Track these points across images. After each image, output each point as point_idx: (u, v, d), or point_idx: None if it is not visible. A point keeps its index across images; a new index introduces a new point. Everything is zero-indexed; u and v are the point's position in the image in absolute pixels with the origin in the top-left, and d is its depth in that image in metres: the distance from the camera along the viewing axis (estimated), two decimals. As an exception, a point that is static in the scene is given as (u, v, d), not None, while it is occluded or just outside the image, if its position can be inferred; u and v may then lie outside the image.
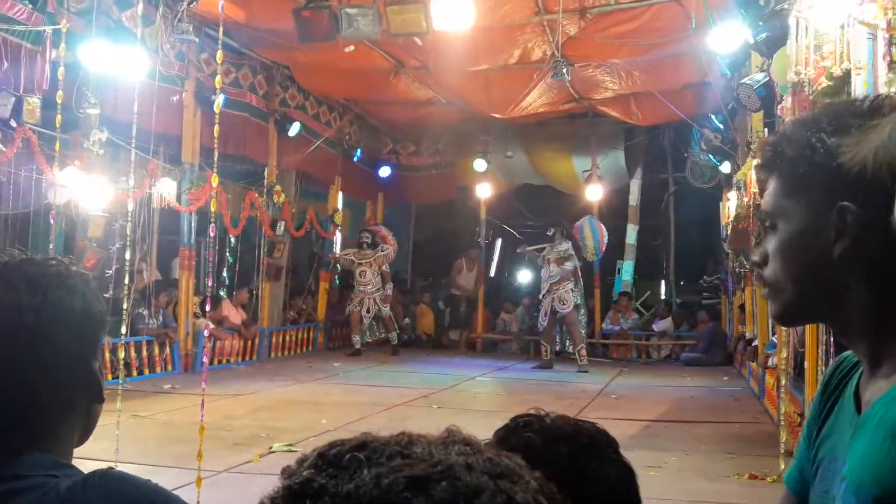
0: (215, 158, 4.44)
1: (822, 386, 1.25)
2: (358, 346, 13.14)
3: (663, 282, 17.85)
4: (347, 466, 0.63)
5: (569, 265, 12.27)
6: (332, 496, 0.61)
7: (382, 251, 13.61)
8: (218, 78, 4.60)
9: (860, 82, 3.73)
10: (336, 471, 0.63)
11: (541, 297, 12.54)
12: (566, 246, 12.40)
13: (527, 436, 1.19)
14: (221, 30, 4.50)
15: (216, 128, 4.33)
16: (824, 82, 3.93)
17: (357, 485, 0.61)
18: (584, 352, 12.12)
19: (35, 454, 1.11)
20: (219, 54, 4.42)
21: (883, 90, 3.63)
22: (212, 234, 4.29)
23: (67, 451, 1.17)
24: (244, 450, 6.10)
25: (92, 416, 1.22)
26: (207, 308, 4.57)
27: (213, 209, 4.36)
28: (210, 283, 5.28)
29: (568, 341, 12.63)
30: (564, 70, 9.46)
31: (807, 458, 1.22)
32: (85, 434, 1.22)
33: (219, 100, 10.06)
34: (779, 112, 5.82)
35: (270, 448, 6.10)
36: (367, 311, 13.40)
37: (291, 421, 7.29)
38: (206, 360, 4.78)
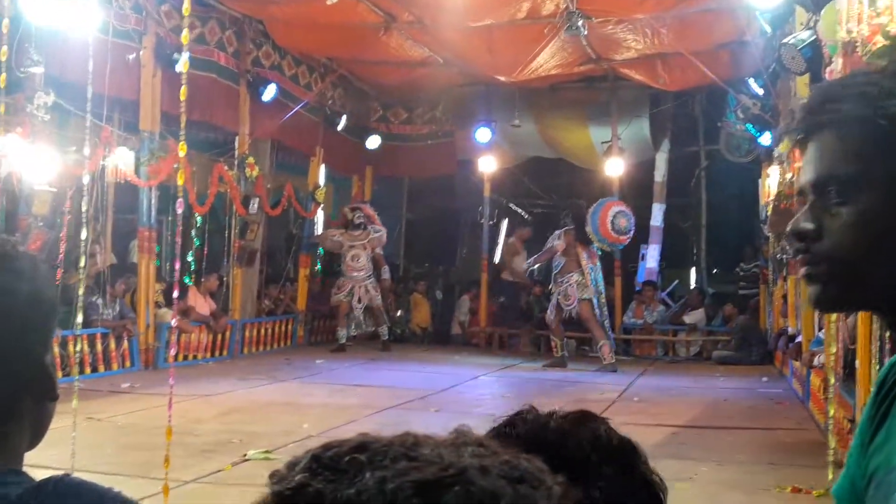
0: (182, 126, 4.41)
1: (877, 387, 1.25)
2: (343, 341, 13.16)
3: (693, 269, 17.89)
4: (346, 470, 0.64)
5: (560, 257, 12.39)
6: (331, 503, 0.62)
7: (376, 232, 13.59)
8: (185, 33, 4.56)
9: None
10: (333, 475, 0.64)
11: (550, 288, 12.64)
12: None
13: (519, 439, 1.17)
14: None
15: (183, 90, 4.30)
16: (880, 41, 3.93)
17: (359, 490, 0.62)
18: (606, 349, 12.05)
19: None
20: (186, 2, 4.39)
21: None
22: (179, 211, 4.27)
23: (16, 455, 1.17)
24: (214, 457, 6.12)
25: (44, 416, 1.22)
26: (175, 295, 4.51)
27: (179, 182, 4.35)
28: (177, 268, 5.21)
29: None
30: (580, 23, 9.44)
31: (859, 468, 1.23)
32: (36, 436, 1.21)
33: (183, 58, 10.14)
34: (827, 75, 5.81)
35: (244, 455, 6.12)
36: (359, 301, 13.39)
37: (268, 425, 7.32)
38: (172, 353, 4.77)
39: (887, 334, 4.69)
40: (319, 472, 0.64)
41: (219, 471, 5.82)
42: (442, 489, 0.61)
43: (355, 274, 13.38)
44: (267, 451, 6.24)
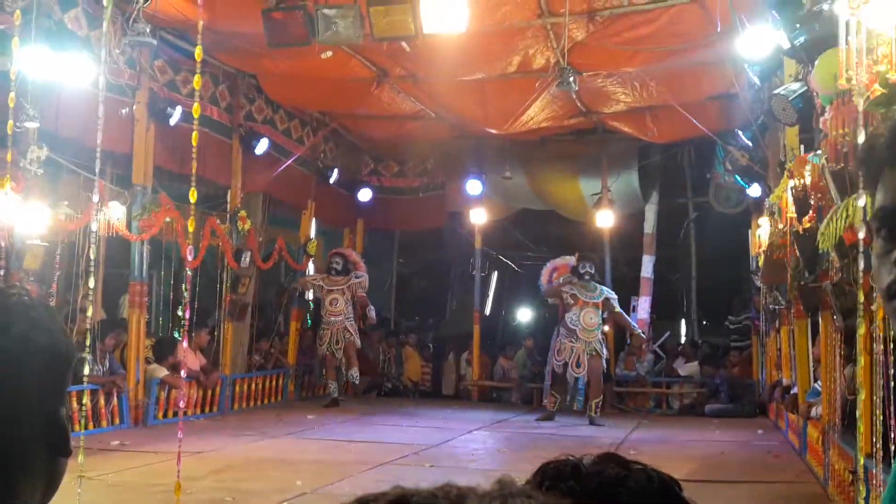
0: (192, 177, 4.39)
1: None
2: (335, 395, 12.98)
3: (683, 321, 17.90)
4: None
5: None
6: None
7: (357, 277, 13.44)
8: (196, 80, 4.56)
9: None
10: None
11: (561, 340, 12.13)
12: (608, 291, 12.49)
13: (566, 486, 1.12)
14: (201, 31, 4.49)
15: (193, 138, 4.28)
16: (878, 90, 3.96)
17: None
18: (601, 403, 12.04)
19: None
20: (197, 51, 4.39)
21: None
22: (189, 259, 4.24)
23: None
24: (207, 517, 6.00)
25: (56, 471, 1.19)
26: (184, 344, 4.45)
27: (189, 230, 4.31)
28: (181, 322, 5.18)
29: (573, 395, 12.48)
30: (571, 79, 9.54)
31: None
32: (48, 493, 1.18)
33: (175, 113, 10.17)
34: (821, 125, 5.86)
35: (239, 514, 6.00)
36: (337, 343, 13.16)
37: (261, 482, 7.19)
38: (182, 405, 4.70)
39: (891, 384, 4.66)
40: None
41: (212, 529, 5.70)
42: None
43: (332, 318, 13.18)
44: (262, 510, 6.12)
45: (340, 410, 12.41)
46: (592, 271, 12.24)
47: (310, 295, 14.31)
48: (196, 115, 4.32)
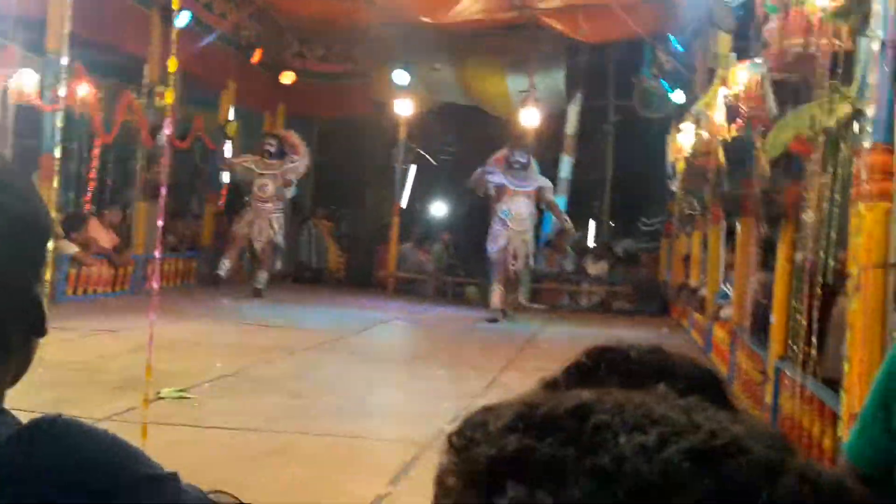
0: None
1: None
2: (222, 273, 12.26)
3: (593, 222, 18.14)
4: (578, 433, 0.53)
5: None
6: (576, 472, 0.51)
7: (292, 162, 12.71)
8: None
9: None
10: (562, 438, 0.53)
11: (495, 227, 11.76)
12: (542, 180, 12.14)
13: (615, 380, 1.05)
14: None
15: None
16: (838, 1, 3.91)
17: (615, 458, 0.51)
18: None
19: None
20: None
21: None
22: (167, 132, 3.99)
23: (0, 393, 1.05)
24: (126, 395, 5.85)
25: (29, 352, 1.09)
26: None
27: (168, 101, 4.05)
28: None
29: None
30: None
31: (883, 431, 1.19)
32: (19, 373, 1.08)
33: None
34: (765, 35, 5.81)
35: (158, 393, 5.88)
36: (259, 234, 12.40)
37: (179, 363, 7.04)
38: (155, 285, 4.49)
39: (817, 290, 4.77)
40: (539, 435, 0.53)
41: (133, 408, 5.57)
42: (722, 458, 0.51)
43: (260, 205, 12.40)
44: (181, 390, 6.01)
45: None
46: (524, 160, 11.81)
47: (234, 178, 13.32)
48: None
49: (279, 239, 12.57)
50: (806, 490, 0.51)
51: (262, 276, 12.44)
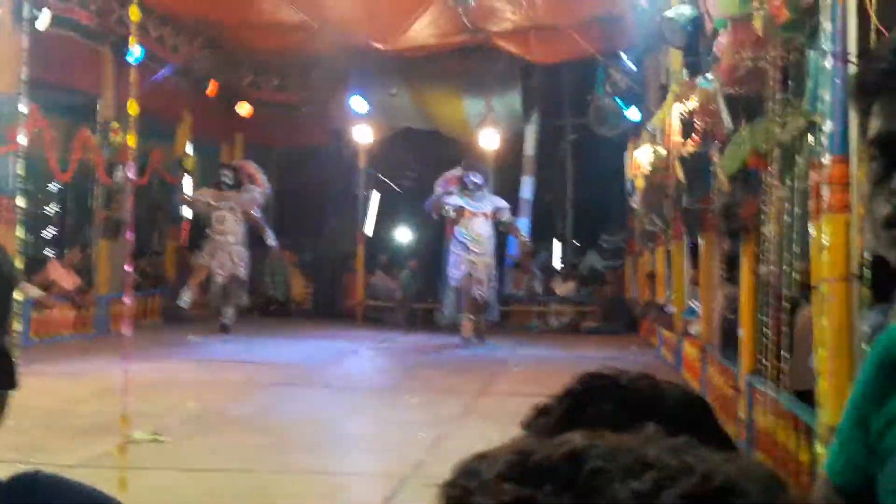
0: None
1: (878, 363, 1.23)
2: (184, 304, 11.95)
3: (556, 241, 18.25)
4: (573, 480, 0.54)
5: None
6: None
7: (247, 192, 12.41)
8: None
9: (828, 13, 3.82)
10: (558, 486, 0.54)
11: (456, 252, 11.61)
12: (497, 200, 12.04)
13: (606, 407, 1.07)
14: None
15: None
16: (786, 14, 4.01)
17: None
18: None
19: None
20: None
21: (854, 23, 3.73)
22: (130, 174, 3.97)
23: None
24: (98, 439, 5.78)
25: (2, 404, 1.11)
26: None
27: (130, 142, 4.03)
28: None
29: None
30: (468, -7, 9.33)
31: (862, 448, 1.21)
32: None
33: (42, 17, 9.49)
34: (714, 49, 5.93)
35: (131, 436, 5.80)
36: (221, 268, 12.06)
37: (150, 404, 6.93)
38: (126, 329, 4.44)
39: (782, 304, 4.85)
40: (533, 482, 0.54)
41: (105, 453, 5.50)
42: (717, 502, 0.53)
43: (219, 238, 12.08)
44: (155, 434, 5.94)
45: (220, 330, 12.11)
46: (479, 181, 11.67)
47: (190, 212, 13.18)
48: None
49: (241, 272, 12.29)
50: None
51: (229, 312, 12.27)
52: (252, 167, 12.84)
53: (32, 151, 10.08)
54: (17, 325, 9.69)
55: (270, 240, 12.89)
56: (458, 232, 11.62)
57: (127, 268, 4.26)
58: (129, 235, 4.33)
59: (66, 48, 10.67)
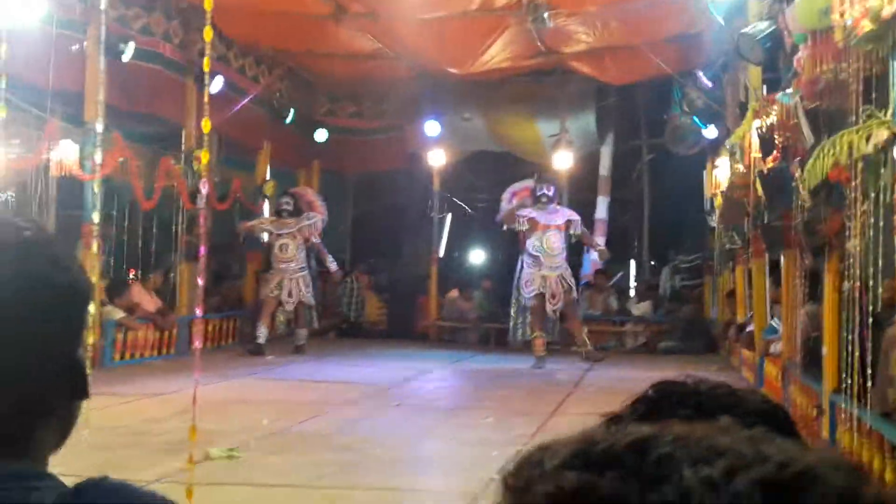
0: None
1: None
2: (261, 341, 11.88)
3: (634, 262, 18.04)
4: (639, 467, 0.51)
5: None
6: None
7: (309, 219, 12.38)
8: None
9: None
10: (623, 472, 0.51)
11: (527, 269, 11.39)
12: (569, 212, 11.77)
13: (683, 413, 1.02)
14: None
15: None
16: (867, 26, 3.88)
17: (681, 491, 0.49)
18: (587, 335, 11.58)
19: (8, 463, 1.01)
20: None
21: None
22: (204, 191, 4.07)
23: (45, 457, 1.08)
24: (176, 457, 5.85)
25: (73, 415, 1.12)
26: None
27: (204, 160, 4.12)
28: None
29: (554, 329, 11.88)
30: (546, 14, 9.33)
31: None
32: (63, 437, 1.12)
33: (127, 49, 9.81)
34: (794, 64, 5.79)
35: (207, 453, 5.88)
36: (290, 296, 12.18)
37: (226, 423, 7.06)
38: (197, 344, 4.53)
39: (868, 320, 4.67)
40: (600, 471, 0.52)
41: (182, 471, 5.58)
42: (795, 489, 0.49)
43: (283, 266, 12.14)
44: (231, 449, 6.00)
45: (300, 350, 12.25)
46: (551, 193, 11.46)
47: (264, 238, 13.15)
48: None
49: (309, 298, 12.38)
50: None
51: (302, 333, 12.39)
52: (311, 194, 12.91)
53: (117, 179, 10.42)
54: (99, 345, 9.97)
55: (332, 265, 12.91)
56: (529, 245, 11.36)
57: (199, 281, 4.29)
58: (202, 250, 4.37)
59: (152, 80, 10.99)
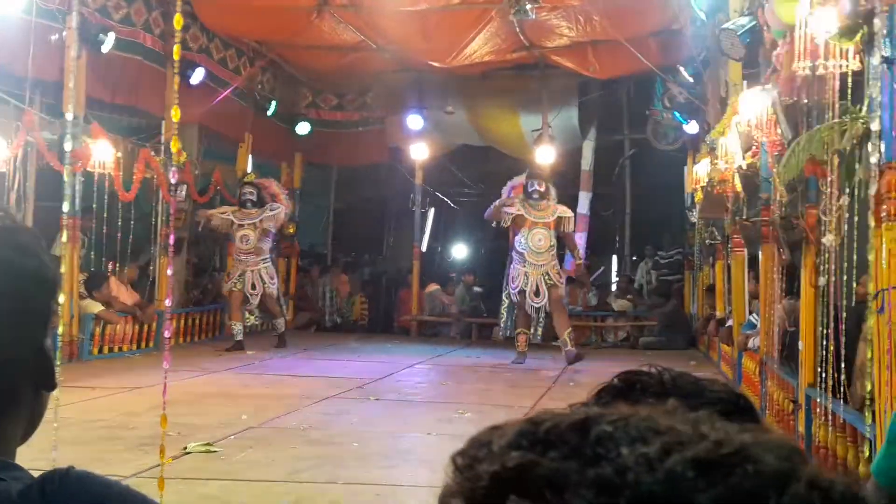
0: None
1: None
2: (239, 337, 11.70)
3: (615, 257, 18.10)
4: (580, 446, 0.53)
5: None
6: (578, 484, 0.50)
7: (272, 210, 12.11)
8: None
9: (883, 18, 3.72)
10: (567, 452, 0.53)
11: (514, 266, 11.26)
12: (562, 209, 11.48)
13: (647, 402, 1.04)
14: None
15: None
16: (843, 19, 3.91)
17: (617, 469, 0.50)
18: (573, 335, 11.37)
19: None
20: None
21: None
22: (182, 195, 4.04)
23: (11, 448, 1.08)
24: (153, 451, 5.83)
25: (39, 406, 1.13)
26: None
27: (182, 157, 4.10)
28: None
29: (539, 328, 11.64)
30: (528, 6, 9.32)
31: None
32: (30, 428, 1.13)
33: (107, 40, 9.75)
34: (773, 60, 5.83)
35: (185, 448, 5.88)
36: (253, 288, 11.88)
37: (205, 417, 7.06)
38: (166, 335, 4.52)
39: (840, 315, 4.71)
40: (541, 449, 0.53)
41: (158, 465, 5.56)
42: (728, 467, 0.50)
43: (244, 257, 11.92)
44: (208, 444, 6.00)
45: (282, 345, 12.22)
46: (542, 189, 11.28)
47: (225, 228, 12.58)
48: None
49: (273, 290, 12.16)
50: (816, 498, 0.50)
51: (279, 322, 12.28)
52: (275, 186, 12.62)
53: (96, 171, 10.35)
54: (77, 339, 9.92)
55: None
56: (516, 241, 11.27)
57: (168, 271, 4.29)
58: (171, 238, 4.38)
59: (132, 70, 10.94)
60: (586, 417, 0.54)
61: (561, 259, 12.29)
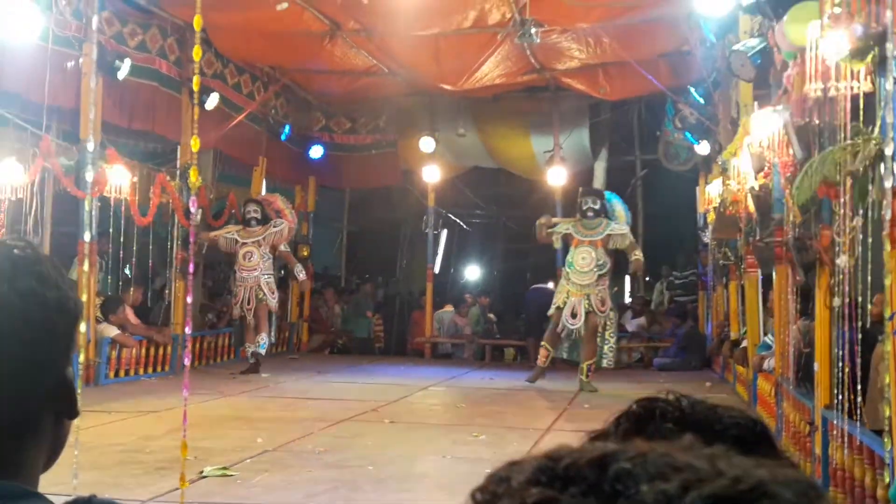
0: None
1: None
2: (253, 360, 11.58)
3: (628, 277, 18.06)
4: (599, 482, 0.53)
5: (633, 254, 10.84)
6: None
7: (276, 227, 11.90)
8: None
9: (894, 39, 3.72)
10: (584, 488, 0.53)
11: (561, 285, 10.87)
12: (620, 226, 10.85)
13: (666, 428, 1.04)
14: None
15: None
16: (855, 40, 3.92)
17: None
18: (593, 367, 10.78)
19: None
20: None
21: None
22: (193, 209, 4.09)
23: (34, 476, 1.09)
24: (169, 475, 5.85)
25: (61, 434, 1.13)
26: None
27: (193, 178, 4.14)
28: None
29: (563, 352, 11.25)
30: (533, 30, 9.38)
31: None
32: (52, 457, 1.13)
33: (123, 66, 9.85)
34: (784, 81, 5.84)
35: (201, 472, 5.88)
36: (249, 304, 11.62)
37: (221, 441, 7.06)
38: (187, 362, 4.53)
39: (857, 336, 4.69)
40: (562, 486, 0.53)
41: (176, 489, 5.56)
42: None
43: (246, 274, 11.70)
44: (224, 468, 6.00)
45: (297, 368, 12.23)
46: (597, 206, 10.69)
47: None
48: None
49: (272, 303, 11.91)
50: None
51: (261, 338, 11.76)
52: (279, 202, 12.38)
53: (112, 196, 10.43)
54: (94, 363, 9.95)
55: (301, 274, 12.40)
56: (566, 261, 10.85)
57: (188, 299, 4.31)
58: (191, 266, 4.39)
59: (148, 96, 11.04)
60: (604, 454, 0.55)
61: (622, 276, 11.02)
